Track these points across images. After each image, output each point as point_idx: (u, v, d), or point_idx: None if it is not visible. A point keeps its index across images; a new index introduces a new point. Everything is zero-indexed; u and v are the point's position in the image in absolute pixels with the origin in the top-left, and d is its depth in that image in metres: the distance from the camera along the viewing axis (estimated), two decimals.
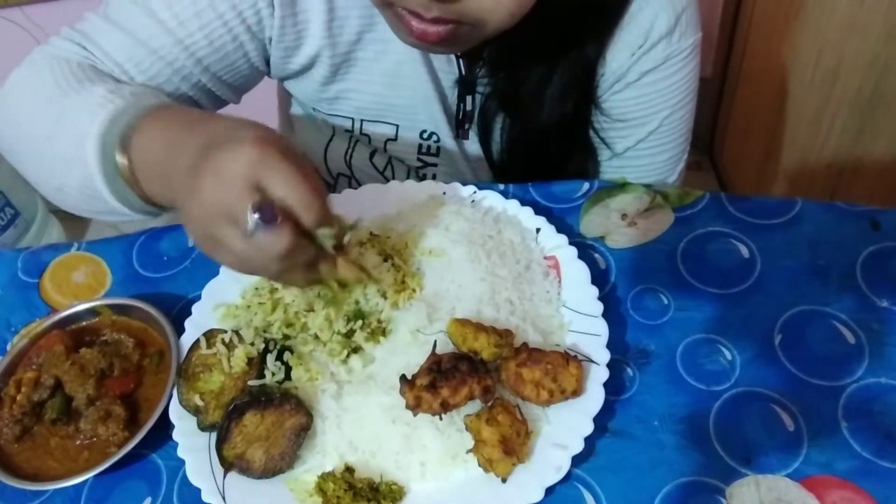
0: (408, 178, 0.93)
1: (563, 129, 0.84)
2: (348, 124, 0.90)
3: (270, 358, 0.66)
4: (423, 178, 0.93)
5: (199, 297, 0.73)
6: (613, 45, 0.79)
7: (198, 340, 0.68)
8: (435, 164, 0.92)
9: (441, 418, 0.60)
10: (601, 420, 0.61)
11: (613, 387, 0.63)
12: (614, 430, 0.62)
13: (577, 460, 0.59)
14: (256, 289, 0.72)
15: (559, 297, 0.69)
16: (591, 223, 0.77)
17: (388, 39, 0.79)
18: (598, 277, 0.70)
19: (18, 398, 0.68)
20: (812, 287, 0.68)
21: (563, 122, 0.82)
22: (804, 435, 0.60)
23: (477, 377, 0.60)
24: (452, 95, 0.85)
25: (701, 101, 0.88)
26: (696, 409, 0.63)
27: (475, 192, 0.78)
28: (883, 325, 0.65)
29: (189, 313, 0.72)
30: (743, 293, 0.69)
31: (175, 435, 0.64)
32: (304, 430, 0.62)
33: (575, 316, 0.67)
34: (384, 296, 0.67)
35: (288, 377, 0.66)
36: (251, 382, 0.64)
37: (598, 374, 0.62)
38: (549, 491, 0.58)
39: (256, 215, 0.51)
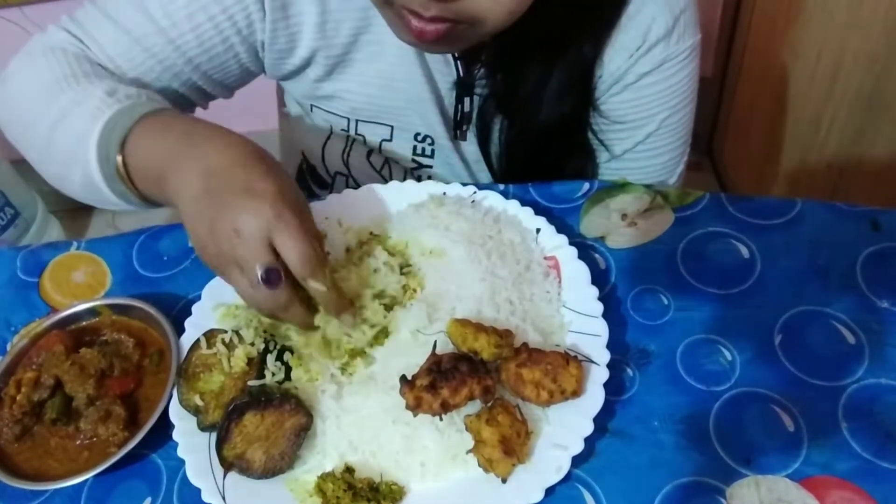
0: (405, 178, 0.93)
1: (561, 131, 0.84)
2: (344, 124, 0.90)
3: (270, 358, 0.66)
4: (419, 179, 0.93)
5: (199, 297, 0.73)
6: (611, 46, 0.79)
7: (198, 340, 0.68)
8: (430, 166, 0.92)
9: (441, 418, 0.60)
10: (601, 420, 0.61)
11: (613, 387, 0.63)
12: (614, 430, 0.62)
13: (577, 461, 0.59)
14: None
15: (559, 297, 0.69)
16: (592, 223, 0.77)
17: (384, 41, 0.79)
18: (599, 278, 0.70)
19: (18, 398, 0.68)
20: (812, 287, 0.68)
21: (561, 123, 0.82)
22: (804, 435, 0.60)
23: (477, 377, 0.60)
24: (450, 97, 0.85)
25: (701, 101, 0.88)
26: (696, 410, 0.63)
27: (475, 193, 0.78)
28: (883, 325, 0.65)
29: (189, 313, 0.72)
30: (743, 293, 0.69)
31: (175, 435, 0.64)
32: (304, 430, 0.62)
33: (575, 316, 0.67)
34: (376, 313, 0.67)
35: (288, 377, 0.66)
36: (251, 382, 0.64)
37: (598, 375, 0.62)
38: (549, 491, 0.58)
39: (262, 274, 0.58)
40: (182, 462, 0.63)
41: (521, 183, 0.81)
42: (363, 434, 0.62)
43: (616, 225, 0.76)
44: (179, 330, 0.71)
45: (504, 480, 0.58)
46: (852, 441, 0.60)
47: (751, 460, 0.60)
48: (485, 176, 0.92)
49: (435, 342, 0.63)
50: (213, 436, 0.63)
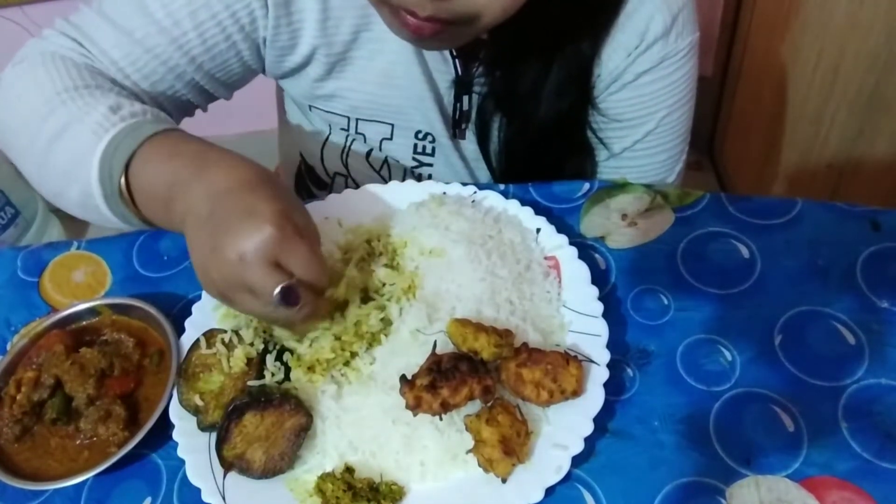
0: (404, 177, 0.93)
1: (560, 129, 0.84)
2: (343, 123, 0.90)
3: (270, 358, 0.66)
4: (419, 177, 0.93)
5: (199, 297, 0.73)
6: (609, 45, 0.79)
7: (198, 340, 0.68)
8: (430, 165, 0.92)
9: (441, 418, 0.60)
10: (601, 420, 0.61)
11: (613, 387, 0.63)
12: (614, 430, 0.62)
13: (577, 460, 0.59)
14: None
15: (559, 297, 0.69)
16: (592, 223, 0.77)
17: (384, 39, 0.79)
18: (599, 277, 0.70)
19: (18, 398, 0.68)
20: (812, 287, 0.68)
21: (560, 121, 0.82)
22: (804, 435, 0.60)
23: (477, 377, 0.60)
24: (448, 96, 0.85)
25: (701, 101, 0.88)
26: (696, 410, 0.63)
27: (475, 192, 0.78)
28: (883, 325, 0.65)
29: (189, 313, 0.72)
30: (743, 293, 0.69)
31: (175, 435, 0.64)
32: (304, 430, 0.62)
33: (575, 316, 0.67)
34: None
35: (287, 377, 0.66)
36: (251, 382, 0.64)
37: (598, 375, 0.62)
38: (549, 491, 0.58)
39: (280, 296, 0.56)
40: (182, 462, 0.63)
41: (521, 182, 0.81)
42: (363, 434, 0.62)
43: (616, 225, 0.76)
44: (179, 330, 0.71)
45: (504, 480, 0.58)
46: (852, 441, 0.60)
47: (751, 460, 0.60)
48: (484, 175, 0.92)
49: (435, 342, 0.63)
50: (213, 436, 0.63)
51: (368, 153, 0.93)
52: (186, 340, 0.70)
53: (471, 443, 0.59)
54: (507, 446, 0.58)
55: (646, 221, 0.76)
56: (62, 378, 0.68)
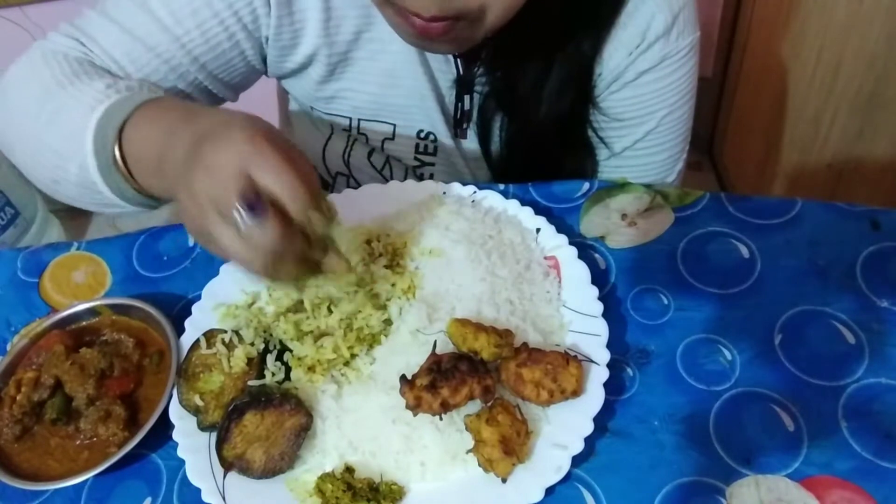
0: (406, 177, 0.93)
1: (561, 128, 0.84)
2: (346, 123, 0.90)
3: (270, 358, 0.66)
4: (420, 177, 0.93)
5: (199, 297, 0.73)
6: (610, 44, 0.79)
7: (198, 340, 0.68)
8: (432, 164, 0.92)
9: (441, 418, 0.60)
10: (601, 420, 0.61)
11: (613, 387, 0.63)
12: (614, 430, 0.62)
13: (577, 460, 0.59)
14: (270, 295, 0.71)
15: (559, 297, 0.69)
16: (592, 223, 0.77)
17: (386, 39, 0.79)
18: (598, 277, 0.70)
19: (18, 398, 0.68)
20: (812, 287, 0.68)
21: (560, 120, 0.82)
22: (804, 435, 0.60)
23: (477, 377, 0.60)
24: (450, 95, 0.85)
25: (701, 101, 0.88)
26: (696, 409, 0.63)
27: (475, 192, 0.78)
28: (883, 325, 0.65)
29: (189, 313, 0.72)
30: (743, 293, 0.69)
31: (175, 435, 0.64)
32: (304, 430, 0.62)
33: (575, 316, 0.67)
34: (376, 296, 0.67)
35: (288, 377, 0.66)
36: (251, 382, 0.64)
37: (598, 374, 0.62)
38: (549, 491, 0.58)
39: (244, 206, 0.50)
40: (182, 462, 0.63)
41: (523, 181, 0.81)
42: (363, 434, 0.62)
43: (616, 225, 0.76)
44: (179, 330, 0.71)
45: (504, 480, 0.58)
46: (852, 441, 0.60)
47: (751, 460, 0.60)
48: (485, 174, 0.92)
49: (435, 342, 0.63)
50: (213, 436, 0.63)
51: (370, 153, 0.93)
52: (186, 340, 0.70)
53: (471, 443, 0.59)
54: (507, 446, 0.58)
55: (646, 221, 0.76)
56: (62, 378, 0.68)
